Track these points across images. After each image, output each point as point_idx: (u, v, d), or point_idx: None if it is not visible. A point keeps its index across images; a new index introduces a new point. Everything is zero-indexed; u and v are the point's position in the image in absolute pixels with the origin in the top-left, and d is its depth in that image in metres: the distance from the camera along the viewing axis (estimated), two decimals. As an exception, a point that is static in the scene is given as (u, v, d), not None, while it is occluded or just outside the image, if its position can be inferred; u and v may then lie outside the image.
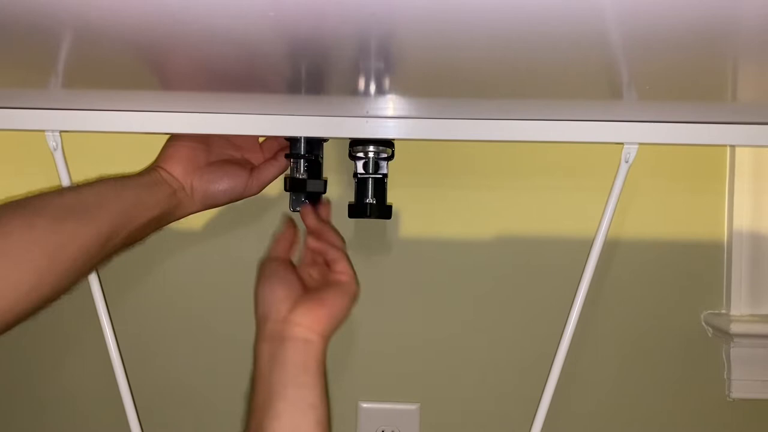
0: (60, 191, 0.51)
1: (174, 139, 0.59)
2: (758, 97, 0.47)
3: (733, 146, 0.70)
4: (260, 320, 0.53)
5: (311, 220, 0.59)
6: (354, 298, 0.55)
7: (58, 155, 0.56)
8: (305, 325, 0.50)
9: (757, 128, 0.53)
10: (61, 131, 0.55)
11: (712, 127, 0.53)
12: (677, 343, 0.72)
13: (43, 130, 0.55)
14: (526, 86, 0.44)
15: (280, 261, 0.57)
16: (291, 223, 0.61)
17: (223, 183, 0.58)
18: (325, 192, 0.61)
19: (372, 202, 0.61)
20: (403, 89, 0.46)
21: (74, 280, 0.48)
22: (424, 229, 0.67)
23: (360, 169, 0.61)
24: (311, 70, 0.41)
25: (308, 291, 0.54)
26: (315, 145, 0.60)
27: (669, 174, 0.71)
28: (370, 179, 0.61)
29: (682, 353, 0.73)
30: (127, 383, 0.59)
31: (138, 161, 0.70)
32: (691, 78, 0.40)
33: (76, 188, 0.51)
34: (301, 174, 0.60)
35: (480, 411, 0.74)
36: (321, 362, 0.50)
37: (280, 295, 0.53)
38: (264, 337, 0.52)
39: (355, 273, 0.56)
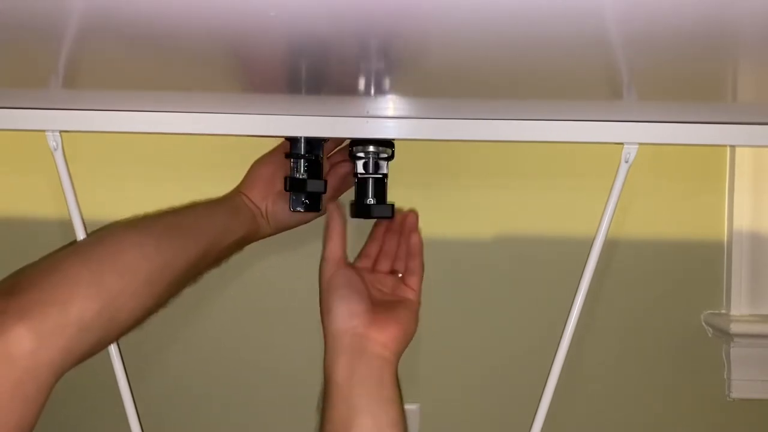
0: (162, 214, 0.57)
1: (256, 164, 0.63)
2: (758, 97, 0.47)
3: (733, 146, 0.70)
4: (336, 333, 0.53)
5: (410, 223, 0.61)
6: (418, 313, 0.57)
7: (58, 155, 0.56)
8: (382, 342, 0.52)
9: (757, 128, 0.53)
10: (61, 131, 0.55)
11: (712, 127, 0.53)
12: (677, 343, 0.72)
13: (44, 130, 0.55)
14: (527, 86, 0.44)
15: (346, 268, 0.58)
16: (337, 210, 0.60)
17: (288, 205, 0.60)
18: (325, 192, 0.61)
19: (373, 203, 0.61)
20: (403, 89, 0.46)
21: (175, 292, 0.53)
22: (423, 228, 0.67)
23: (360, 169, 0.61)
24: (312, 71, 0.41)
25: (379, 303, 0.56)
26: (315, 145, 0.60)
27: (669, 174, 0.71)
28: (371, 179, 0.61)
29: (682, 353, 0.73)
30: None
31: (138, 161, 0.71)
32: (691, 78, 0.40)
33: (175, 212, 0.57)
34: (301, 174, 0.60)
35: (480, 411, 0.74)
36: (397, 378, 0.52)
37: (356, 309, 0.54)
38: (341, 351, 0.52)
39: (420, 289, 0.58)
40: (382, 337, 0.52)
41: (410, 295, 0.58)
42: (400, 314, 0.55)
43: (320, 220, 0.64)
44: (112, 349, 0.58)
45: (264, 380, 0.73)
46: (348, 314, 0.53)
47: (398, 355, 0.53)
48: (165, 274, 0.51)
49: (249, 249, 0.62)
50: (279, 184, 0.60)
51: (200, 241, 0.54)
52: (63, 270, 0.46)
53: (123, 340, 0.53)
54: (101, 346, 0.47)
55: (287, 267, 0.71)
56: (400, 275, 0.61)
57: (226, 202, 0.60)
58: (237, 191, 0.62)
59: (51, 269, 0.46)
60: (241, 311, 0.72)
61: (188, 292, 0.57)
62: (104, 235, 0.51)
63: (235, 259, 0.61)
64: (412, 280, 0.59)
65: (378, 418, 0.49)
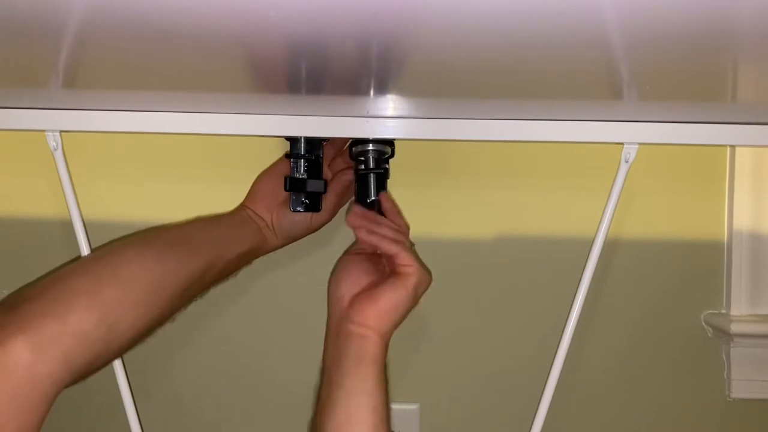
0: (165, 227, 0.58)
1: (259, 178, 0.63)
2: (758, 97, 0.47)
3: (733, 146, 0.70)
4: (329, 318, 0.58)
5: (356, 220, 0.59)
6: (416, 289, 0.56)
7: (58, 155, 0.56)
8: (358, 322, 0.54)
9: (757, 128, 0.53)
10: (61, 131, 0.55)
11: (712, 127, 0.53)
12: (677, 343, 0.72)
13: (43, 130, 0.55)
14: (527, 86, 0.44)
15: (351, 254, 0.60)
16: (360, 207, 0.61)
17: (293, 214, 0.61)
18: (325, 192, 0.61)
19: (377, 199, 0.61)
20: (403, 89, 0.46)
21: (179, 304, 0.53)
22: (423, 228, 0.67)
23: (361, 167, 0.61)
24: (312, 70, 0.41)
25: (376, 283, 0.57)
26: (315, 145, 0.60)
27: (669, 174, 0.71)
28: (372, 175, 0.61)
29: (682, 353, 0.73)
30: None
31: (138, 161, 0.71)
32: (691, 78, 0.40)
33: (178, 225, 0.59)
34: (301, 174, 0.60)
35: (480, 411, 0.74)
36: (376, 354, 0.53)
37: (342, 292, 0.57)
38: (329, 334, 0.57)
39: (420, 263, 0.57)
40: (358, 318, 0.54)
41: (403, 270, 0.56)
42: (383, 293, 0.55)
43: (326, 231, 0.64)
44: (116, 363, 0.57)
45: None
46: (336, 299, 0.57)
47: (379, 331, 0.53)
48: (166, 285, 0.51)
49: (256, 262, 0.62)
50: (282, 196, 0.61)
51: (203, 253, 0.54)
52: (62, 283, 0.46)
53: (127, 354, 0.53)
54: (103, 359, 0.47)
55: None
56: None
57: (230, 216, 0.61)
58: (241, 206, 0.63)
59: (50, 284, 0.46)
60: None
61: (194, 306, 0.57)
62: (105, 249, 0.52)
63: (242, 272, 0.62)
64: (400, 257, 0.57)
65: (349, 390, 0.51)
